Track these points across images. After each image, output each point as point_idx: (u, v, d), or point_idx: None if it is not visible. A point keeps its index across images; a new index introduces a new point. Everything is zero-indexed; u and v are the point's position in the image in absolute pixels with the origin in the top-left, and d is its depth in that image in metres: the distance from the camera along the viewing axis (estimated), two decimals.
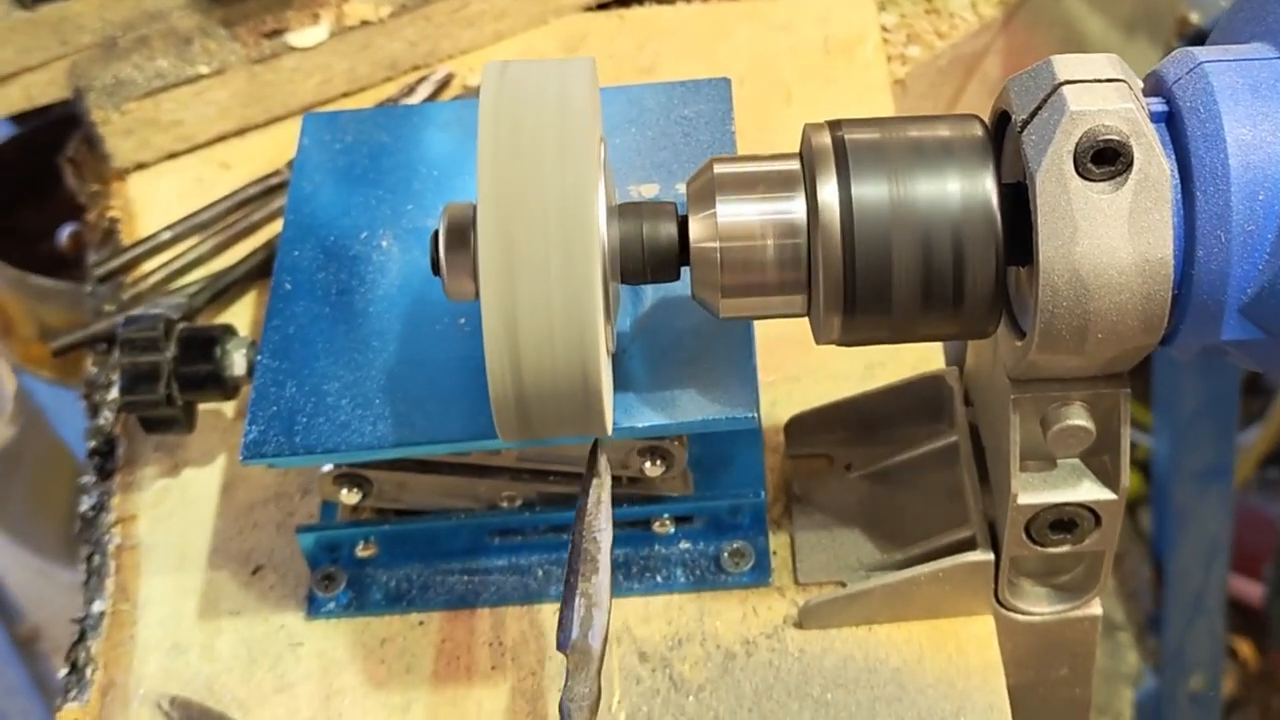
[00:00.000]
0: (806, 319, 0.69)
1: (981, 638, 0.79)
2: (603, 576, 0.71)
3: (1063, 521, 0.73)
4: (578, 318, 0.63)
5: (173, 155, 1.07)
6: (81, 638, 0.84)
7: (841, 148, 0.67)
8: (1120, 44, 1.38)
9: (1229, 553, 1.89)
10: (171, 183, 1.06)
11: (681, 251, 0.68)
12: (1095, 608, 0.79)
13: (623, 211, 0.69)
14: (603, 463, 0.72)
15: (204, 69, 1.05)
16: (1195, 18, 1.47)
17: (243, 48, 1.06)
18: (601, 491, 0.72)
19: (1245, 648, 2.13)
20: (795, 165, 0.68)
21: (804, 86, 1.09)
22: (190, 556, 0.86)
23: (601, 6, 1.15)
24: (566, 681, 0.68)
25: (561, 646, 0.69)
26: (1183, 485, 1.84)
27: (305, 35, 1.06)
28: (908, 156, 0.66)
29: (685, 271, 0.69)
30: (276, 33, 1.06)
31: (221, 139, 1.08)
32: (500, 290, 0.62)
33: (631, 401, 0.73)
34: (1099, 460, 0.73)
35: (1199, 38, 1.46)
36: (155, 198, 1.06)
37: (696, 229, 0.67)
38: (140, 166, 1.07)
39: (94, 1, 1.04)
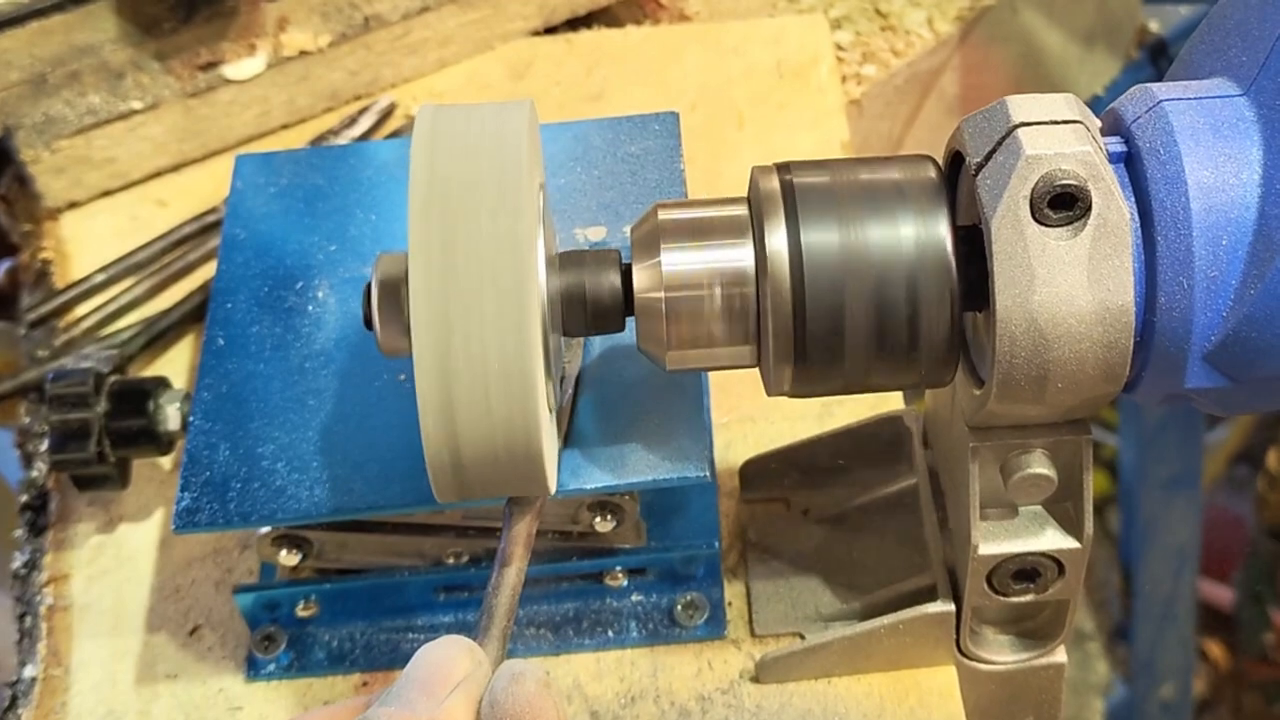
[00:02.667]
0: (757, 369, 0.67)
1: (944, 689, 0.76)
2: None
3: (1025, 571, 0.71)
4: (517, 376, 0.60)
5: (107, 193, 1.04)
6: (13, 704, 0.81)
7: (790, 192, 0.64)
8: (1080, 56, 1.36)
9: (1198, 561, 1.88)
10: (106, 222, 1.03)
11: (626, 302, 0.65)
12: (1060, 655, 0.77)
13: (564, 261, 0.66)
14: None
15: (137, 104, 1.01)
16: (1155, 27, 1.46)
17: (177, 81, 1.02)
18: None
19: (1215, 649, 2.13)
20: (743, 210, 0.65)
21: (757, 111, 1.06)
22: (126, 617, 0.83)
23: (549, 31, 1.13)
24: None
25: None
26: (1150, 494, 1.83)
27: (241, 67, 1.03)
28: (859, 200, 0.64)
29: (631, 321, 0.66)
30: (211, 65, 1.03)
31: (157, 175, 1.05)
32: (433, 348, 0.59)
33: (578, 459, 0.70)
34: (1062, 508, 0.70)
35: (1159, 47, 1.44)
36: (89, 237, 1.02)
37: (641, 278, 0.64)
38: (73, 205, 1.04)
39: (22, 37, 1.00)
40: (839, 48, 1.15)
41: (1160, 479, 1.81)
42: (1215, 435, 2.13)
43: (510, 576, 0.64)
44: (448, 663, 0.56)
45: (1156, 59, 1.44)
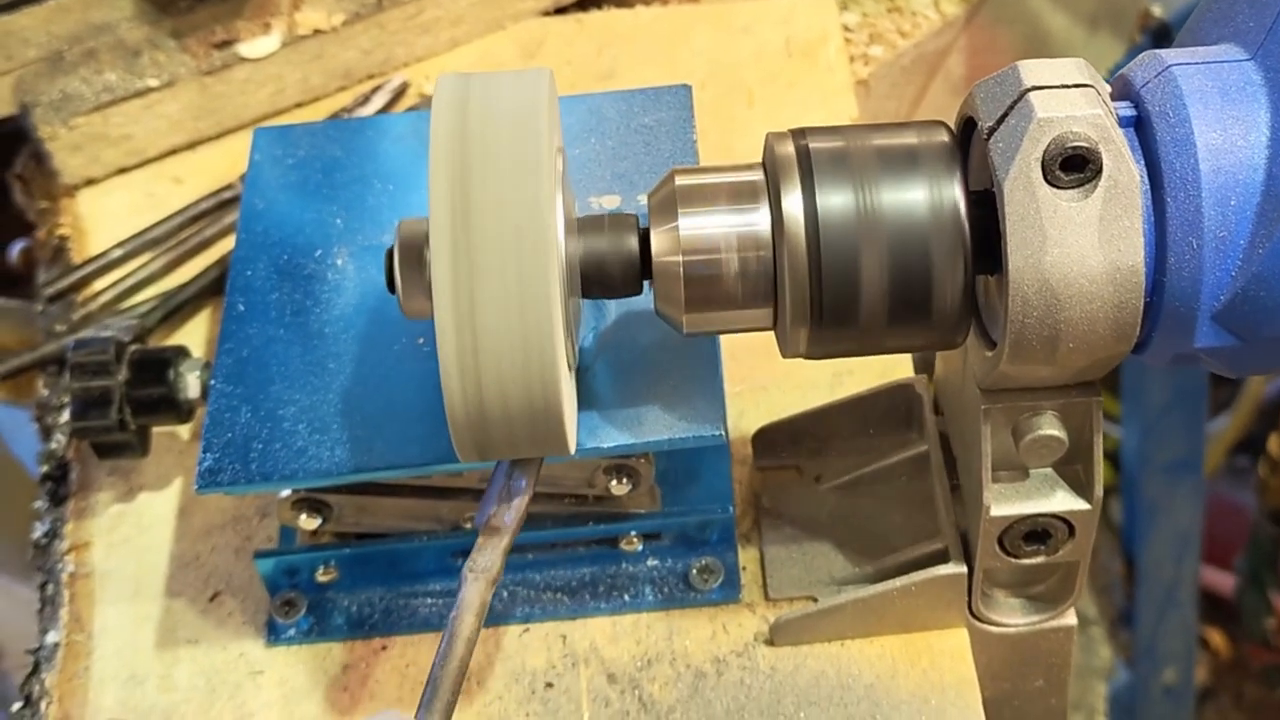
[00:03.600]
0: (772, 332, 0.68)
1: (955, 651, 0.77)
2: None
3: (1036, 533, 0.72)
4: (536, 336, 0.61)
5: (123, 170, 1.05)
6: (35, 669, 0.82)
7: (805, 157, 0.65)
8: (1083, 39, 1.37)
9: (1200, 545, 1.88)
10: (122, 198, 1.04)
11: (643, 266, 0.66)
12: (1070, 618, 0.78)
13: (582, 226, 0.67)
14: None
15: (153, 82, 1.02)
16: (1158, 11, 1.47)
17: (193, 59, 1.03)
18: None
19: (1217, 637, 2.14)
20: (759, 175, 0.66)
21: (766, 89, 1.07)
22: (146, 584, 0.84)
23: (559, 11, 1.13)
24: (472, 553, 0.66)
25: (477, 522, 0.67)
26: (1153, 479, 1.83)
27: (256, 45, 1.04)
28: (873, 165, 0.65)
29: (648, 285, 0.67)
30: (227, 43, 1.04)
31: (173, 153, 1.05)
32: (455, 310, 0.60)
33: (596, 420, 0.71)
34: (1072, 470, 0.71)
35: (1162, 31, 1.45)
36: (105, 214, 1.03)
37: (658, 243, 0.65)
38: (90, 182, 1.04)
39: (39, 15, 1.01)
40: (846, 29, 1.16)
41: (1163, 464, 1.82)
42: (1216, 424, 2.13)
43: (459, 649, 0.65)
44: None
45: (1159, 42, 1.45)
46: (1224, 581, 2.12)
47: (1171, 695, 1.97)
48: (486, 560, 0.66)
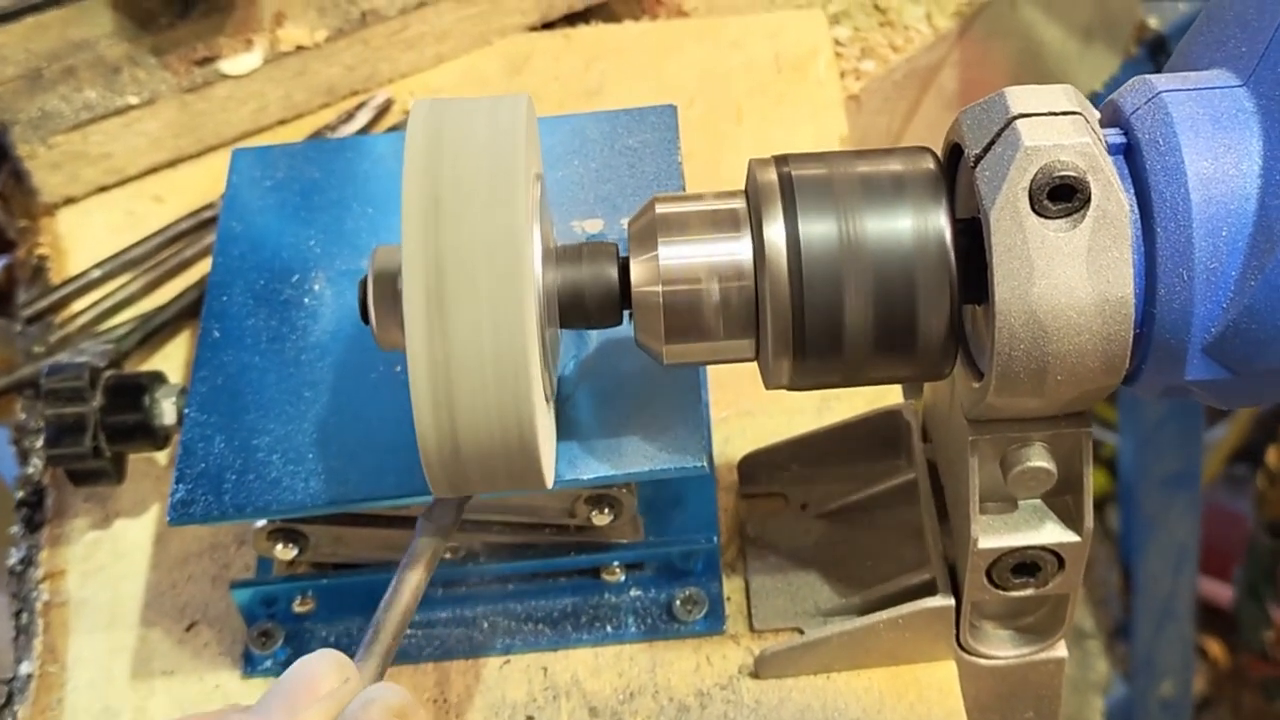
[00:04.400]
0: (755, 363, 0.66)
1: (943, 684, 0.76)
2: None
3: (1025, 565, 0.71)
4: (511, 370, 0.60)
5: (103, 189, 1.03)
6: (9, 701, 0.81)
7: (788, 184, 0.64)
8: (1078, 51, 1.36)
9: (1197, 559, 1.87)
10: (102, 217, 1.03)
11: (623, 296, 0.65)
12: (1060, 650, 0.76)
13: (560, 255, 0.66)
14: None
15: (133, 99, 1.01)
16: (1154, 23, 1.46)
17: (173, 76, 1.02)
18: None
19: (1215, 647, 2.13)
20: (740, 204, 0.65)
21: (755, 105, 1.06)
22: (122, 613, 0.83)
23: (547, 26, 1.12)
24: (429, 507, 0.65)
25: None
26: (1150, 492, 1.82)
27: (238, 62, 1.03)
28: (857, 193, 0.63)
29: (628, 315, 0.66)
30: (208, 60, 1.03)
31: (153, 171, 1.04)
32: (428, 343, 0.59)
33: (575, 450, 0.70)
34: (1061, 501, 0.70)
35: (1158, 43, 1.44)
36: (85, 233, 1.02)
37: (638, 272, 0.64)
38: (69, 201, 1.03)
39: (17, 32, 1.00)
40: (837, 43, 1.15)
41: (1160, 476, 1.81)
42: (1214, 433, 2.12)
43: (405, 595, 0.63)
44: (315, 677, 0.56)
45: (1155, 55, 1.44)
46: (1222, 592, 2.11)
47: (1169, 708, 1.95)
48: (442, 514, 0.65)
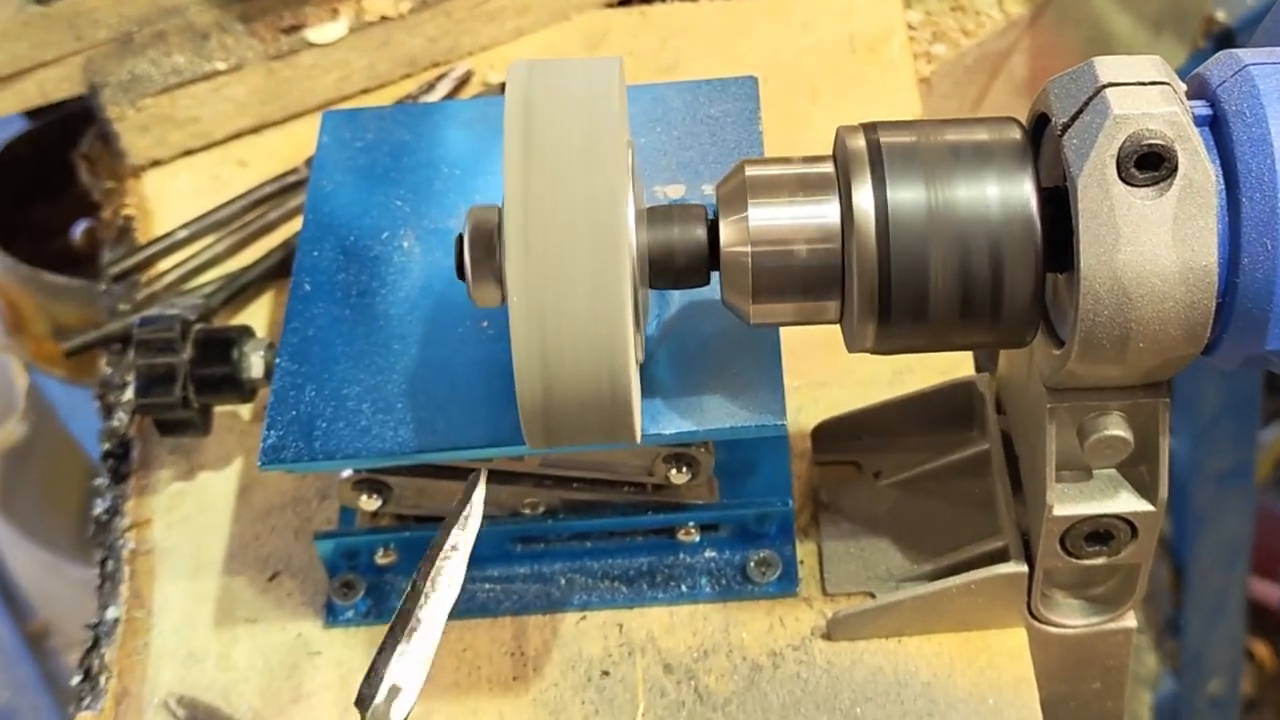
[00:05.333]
0: (838, 326, 0.68)
1: (1013, 650, 0.77)
2: (421, 644, 0.66)
3: (1099, 533, 0.72)
4: (607, 327, 0.61)
5: (189, 152, 1.05)
6: (95, 644, 0.83)
7: (877, 151, 0.65)
8: (1147, 42, 1.36)
9: (1249, 556, 1.87)
10: (187, 180, 1.05)
11: (711, 257, 0.66)
12: (1129, 620, 0.77)
13: (652, 216, 0.67)
14: (475, 502, 0.68)
15: (221, 65, 1.03)
16: (1222, 16, 1.46)
17: (260, 44, 1.04)
18: (460, 537, 0.67)
19: (1262, 649, 2.12)
20: (829, 168, 0.66)
21: (829, 84, 1.07)
22: (206, 562, 0.85)
23: (624, 3, 1.14)
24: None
25: (360, 705, 0.64)
26: (1203, 487, 1.82)
27: (324, 31, 1.05)
28: (945, 160, 0.65)
29: (714, 276, 0.67)
30: (295, 28, 1.04)
31: (238, 136, 1.06)
32: (528, 299, 0.60)
33: (658, 408, 0.71)
34: (1136, 471, 0.71)
35: (1226, 36, 1.44)
36: (171, 195, 1.04)
37: (727, 233, 0.65)
38: (156, 163, 1.05)
39: None
40: (909, 26, 1.15)
41: (1214, 472, 1.81)
42: (1267, 434, 2.12)
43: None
44: None
45: (1223, 48, 1.44)
46: (1272, 593, 2.10)
47: (1217, 706, 1.95)
48: None
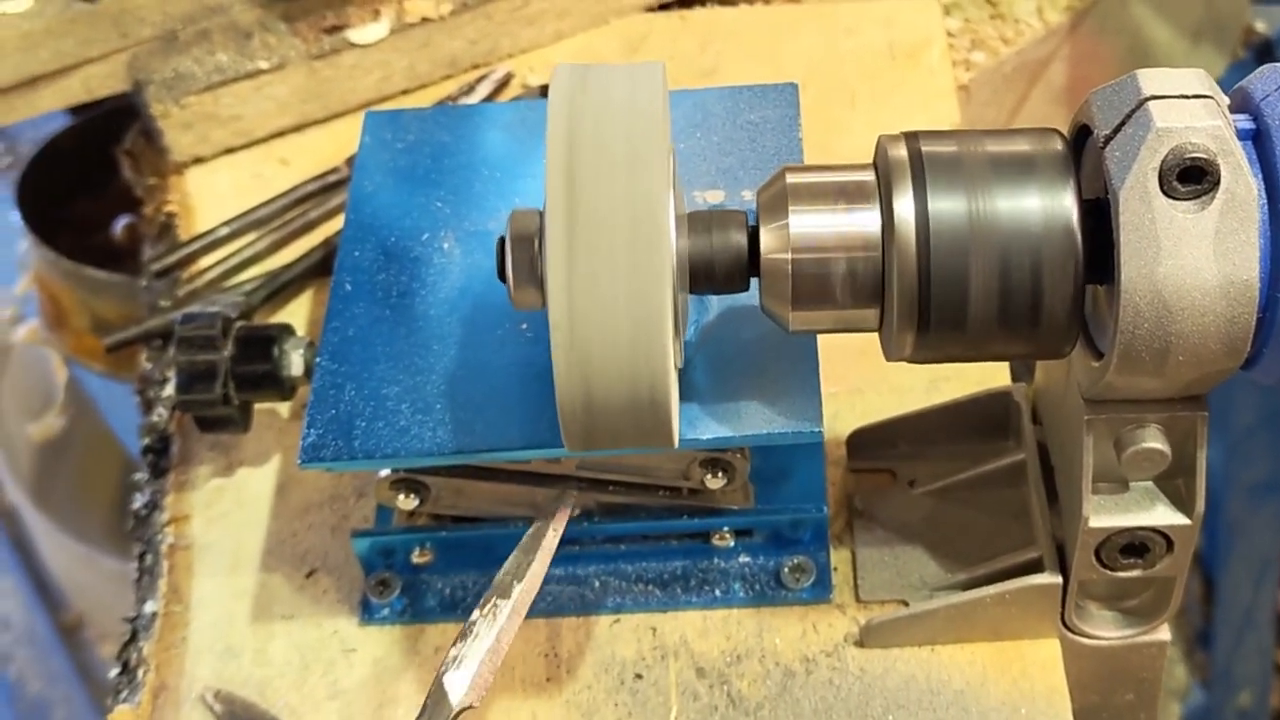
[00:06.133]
0: (876, 334, 0.68)
1: (1047, 661, 0.77)
2: (500, 626, 0.70)
3: (1134, 546, 0.72)
4: (647, 332, 0.61)
5: (231, 150, 1.06)
6: (133, 638, 0.83)
7: (918, 160, 0.65)
8: (1186, 52, 1.36)
9: None
10: (229, 178, 1.06)
11: (751, 263, 0.67)
12: (1163, 633, 0.77)
13: (692, 221, 0.67)
14: (559, 517, 0.74)
15: (264, 64, 1.04)
16: (1262, 27, 1.45)
17: (303, 43, 1.05)
18: (543, 541, 0.73)
19: None
20: (870, 176, 0.66)
21: (868, 91, 1.07)
22: (243, 558, 0.85)
23: (663, 7, 1.14)
24: (420, 714, 0.69)
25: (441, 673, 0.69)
26: (1235, 499, 1.81)
27: (366, 31, 1.05)
28: (986, 171, 0.65)
29: (753, 282, 0.67)
30: (337, 29, 1.05)
31: (280, 135, 1.07)
32: (569, 303, 0.61)
33: (695, 412, 0.71)
34: (1173, 484, 0.71)
35: (1265, 47, 1.44)
36: (213, 192, 1.05)
37: (768, 240, 0.66)
38: (198, 161, 1.06)
39: None
40: (948, 34, 1.15)
41: (1246, 485, 1.80)
42: None
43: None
44: None
45: (1262, 58, 1.44)
46: None
47: (1246, 718, 1.94)
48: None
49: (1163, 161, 0.61)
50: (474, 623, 0.70)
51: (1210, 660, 1.95)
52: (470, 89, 1.08)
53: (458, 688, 0.69)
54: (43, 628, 1.89)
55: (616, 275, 0.61)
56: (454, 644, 0.70)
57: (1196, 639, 2.02)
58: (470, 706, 0.69)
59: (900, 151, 0.66)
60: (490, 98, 1.08)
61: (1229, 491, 1.82)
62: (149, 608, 0.84)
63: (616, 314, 0.61)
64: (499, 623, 0.70)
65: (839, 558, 0.81)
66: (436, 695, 0.69)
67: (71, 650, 1.88)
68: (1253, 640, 1.92)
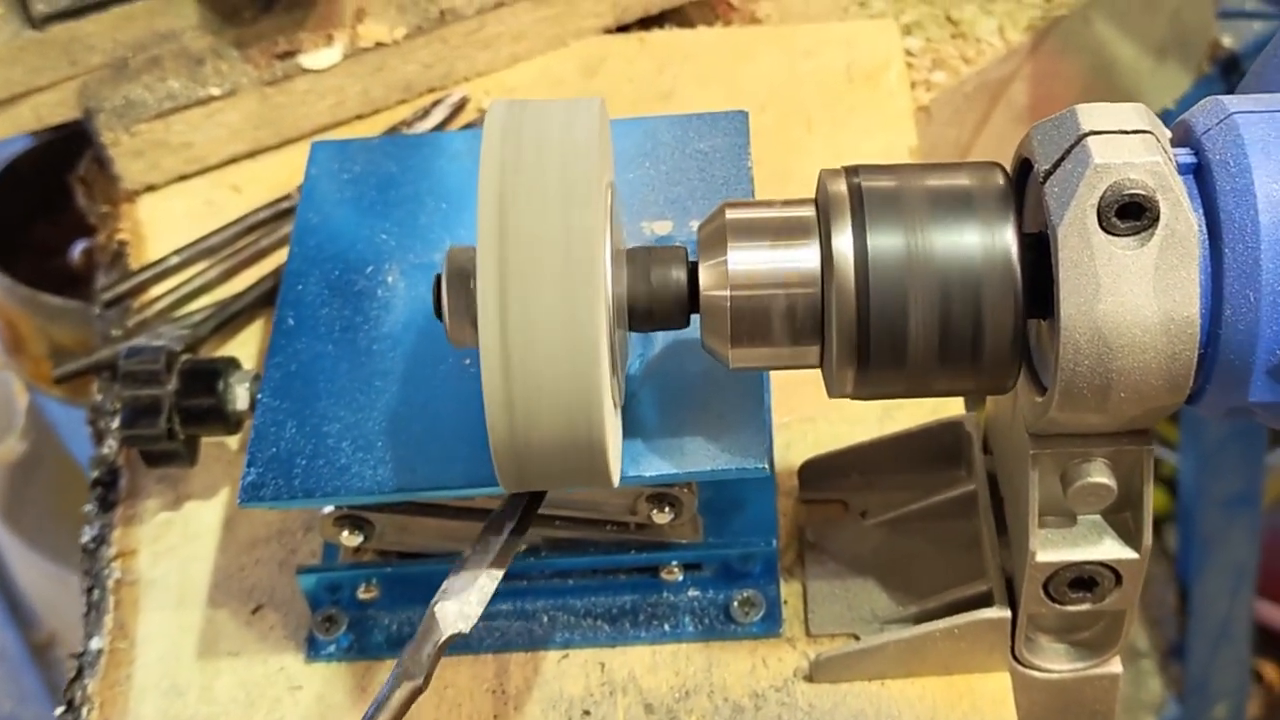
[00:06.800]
0: (819, 370, 0.67)
1: (997, 695, 0.76)
2: (491, 558, 0.69)
3: (1083, 580, 0.71)
4: (582, 371, 0.61)
5: (183, 177, 1.06)
6: (79, 675, 0.83)
7: (858, 195, 0.65)
8: (1151, 69, 1.35)
9: (1255, 581, 1.86)
10: (181, 205, 1.05)
11: (691, 299, 0.66)
12: (1115, 666, 0.76)
13: (631, 257, 0.67)
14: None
15: (215, 90, 1.03)
16: (1228, 41, 1.45)
17: (255, 69, 1.04)
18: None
19: (1271, 671, 2.11)
20: (810, 212, 0.66)
21: (826, 114, 1.07)
22: (190, 593, 0.84)
23: (621, 29, 1.14)
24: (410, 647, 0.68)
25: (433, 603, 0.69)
26: (1209, 512, 1.81)
27: (318, 57, 1.05)
28: (925, 206, 0.64)
29: (695, 318, 0.67)
30: (289, 54, 1.04)
31: (232, 161, 1.06)
32: (501, 341, 0.60)
33: (639, 449, 0.71)
34: (1120, 518, 0.70)
35: (1231, 62, 1.43)
36: (165, 220, 1.04)
37: (707, 277, 0.65)
38: (150, 188, 1.06)
39: (105, 21, 1.02)
40: (909, 54, 1.15)
41: (1220, 497, 1.80)
42: (1276, 456, 2.11)
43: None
44: None
45: (1229, 74, 1.44)
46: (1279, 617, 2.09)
47: None
48: (421, 659, 0.67)
49: (1101, 198, 0.60)
50: (467, 557, 0.69)
51: (1185, 672, 1.95)
52: (426, 113, 1.07)
53: (449, 616, 0.68)
54: (14, 647, 1.88)
55: (549, 313, 0.60)
56: (447, 578, 0.69)
57: (1171, 651, 2.02)
58: (460, 633, 0.68)
59: (840, 187, 0.65)
60: (446, 122, 1.07)
61: (1202, 504, 1.82)
62: (95, 644, 0.83)
63: (550, 352, 0.60)
64: (490, 555, 0.69)
65: (790, 590, 0.81)
66: (427, 624, 0.67)
67: (43, 669, 1.88)
68: (1229, 652, 1.92)
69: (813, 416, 0.88)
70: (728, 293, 0.64)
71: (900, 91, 1.08)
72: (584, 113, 0.65)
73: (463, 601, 0.68)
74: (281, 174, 1.04)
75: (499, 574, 0.69)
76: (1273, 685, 2.11)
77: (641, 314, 0.66)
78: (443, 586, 0.69)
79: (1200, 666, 1.92)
